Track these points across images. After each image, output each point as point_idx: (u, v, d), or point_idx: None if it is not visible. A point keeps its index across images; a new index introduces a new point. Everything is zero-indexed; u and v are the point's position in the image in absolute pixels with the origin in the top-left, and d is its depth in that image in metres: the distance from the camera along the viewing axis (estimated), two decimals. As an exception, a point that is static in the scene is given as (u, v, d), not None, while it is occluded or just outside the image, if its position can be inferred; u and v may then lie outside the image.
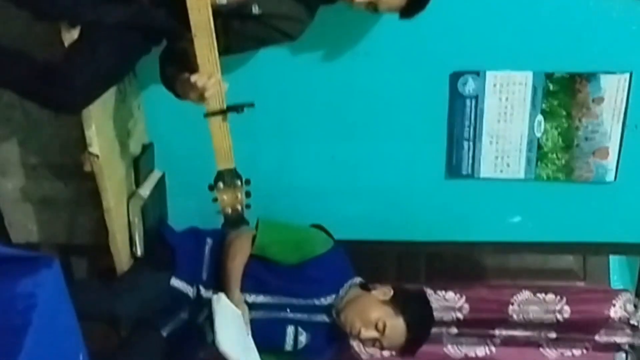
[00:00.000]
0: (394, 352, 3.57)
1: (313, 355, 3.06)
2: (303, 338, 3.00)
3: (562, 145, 3.14)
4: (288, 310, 2.98)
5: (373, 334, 2.89)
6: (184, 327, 3.06)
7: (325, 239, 3.04)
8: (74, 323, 1.91)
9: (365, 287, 3.02)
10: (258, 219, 2.96)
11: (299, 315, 2.99)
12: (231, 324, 2.78)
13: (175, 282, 3.01)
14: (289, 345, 2.99)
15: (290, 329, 2.99)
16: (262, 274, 2.95)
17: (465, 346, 3.61)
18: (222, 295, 2.83)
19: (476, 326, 3.55)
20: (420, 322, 2.95)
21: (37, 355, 1.71)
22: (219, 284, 3.00)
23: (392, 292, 2.95)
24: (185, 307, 3.05)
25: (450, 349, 3.62)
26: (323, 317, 3.01)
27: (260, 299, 2.90)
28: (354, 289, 3.01)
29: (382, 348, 2.97)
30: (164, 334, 3.04)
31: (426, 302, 3.04)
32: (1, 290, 1.74)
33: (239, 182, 2.93)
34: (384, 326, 2.88)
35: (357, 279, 3.05)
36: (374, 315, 2.89)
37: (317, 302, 2.99)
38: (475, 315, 3.50)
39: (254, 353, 2.81)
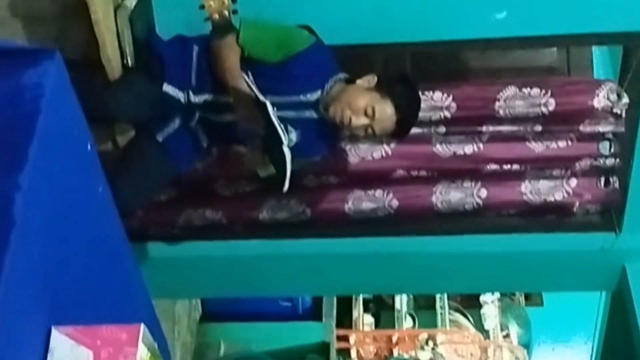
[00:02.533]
0: (384, 150, 3.71)
1: (304, 152, 3.14)
2: (293, 136, 3.06)
3: (544, -63, 3.14)
4: (275, 108, 3.02)
5: (363, 120, 2.97)
6: (178, 133, 3.15)
7: (308, 36, 3.05)
8: (80, 114, 1.97)
9: (350, 81, 3.08)
10: (241, 19, 2.97)
11: (286, 113, 3.03)
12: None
13: (167, 87, 3.06)
14: None
15: None
16: (247, 75, 2.99)
17: (453, 144, 3.70)
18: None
19: (463, 124, 3.63)
20: (407, 102, 3.03)
21: (49, 142, 1.77)
22: (210, 89, 3.07)
23: (375, 79, 3.01)
24: (178, 112, 3.12)
25: (439, 148, 3.71)
26: (311, 114, 3.08)
27: None
28: (339, 84, 3.07)
29: (374, 135, 3.05)
30: (160, 139, 3.13)
31: (410, 83, 3.10)
32: (7, 81, 1.78)
33: (225, -14, 2.93)
34: (373, 111, 2.95)
35: (342, 75, 3.10)
36: (361, 102, 2.96)
37: (303, 98, 3.05)
38: (462, 114, 3.58)
39: None
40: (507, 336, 7.01)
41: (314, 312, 6.07)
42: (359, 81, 3.03)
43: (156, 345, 2.01)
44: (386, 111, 2.97)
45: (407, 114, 3.03)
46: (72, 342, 1.80)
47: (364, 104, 2.95)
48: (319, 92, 3.06)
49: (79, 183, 1.96)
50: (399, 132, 3.08)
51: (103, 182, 2.14)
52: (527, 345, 7.06)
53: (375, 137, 3.10)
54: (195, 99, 3.08)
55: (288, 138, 2.93)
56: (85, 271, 1.98)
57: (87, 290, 1.99)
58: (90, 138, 2.00)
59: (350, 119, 2.96)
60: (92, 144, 2.01)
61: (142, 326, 1.84)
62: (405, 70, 3.76)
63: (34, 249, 1.73)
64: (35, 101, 1.74)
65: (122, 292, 2.27)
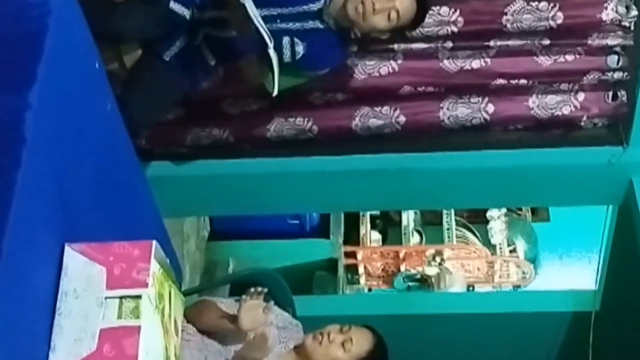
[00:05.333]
0: (391, 66, 3.69)
1: (312, 63, 3.17)
2: (300, 48, 3.07)
3: None
4: (279, 21, 3.03)
5: (386, 2, 2.97)
6: (184, 52, 3.15)
7: None
8: (87, 32, 1.96)
9: None
10: None
11: (290, 25, 3.05)
12: None
13: (173, 4, 3.05)
14: (287, 56, 3.08)
15: (285, 40, 3.06)
16: None
17: (460, 59, 3.66)
18: None
19: (471, 39, 3.59)
20: None
21: (57, 60, 1.77)
22: (213, 5, 3.07)
23: None
24: (184, 31, 3.12)
25: (447, 64, 3.67)
26: (316, 24, 3.08)
27: None
28: None
29: (397, 18, 3.03)
30: (167, 58, 3.13)
31: None
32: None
33: None
34: None
35: None
36: None
37: (305, 8, 3.06)
38: (469, 28, 3.54)
39: None
40: (513, 251, 7.05)
41: (322, 230, 6.10)
42: None
43: (168, 262, 2.03)
44: None
45: None
46: (85, 259, 1.83)
47: None
48: (321, 1, 3.06)
49: (87, 101, 1.97)
50: (421, 10, 3.08)
51: (111, 100, 2.14)
52: (533, 260, 7.11)
53: (398, 22, 3.05)
54: (200, 15, 3.07)
55: (276, 43, 2.94)
56: (97, 189, 2.00)
57: (99, 208, 2.01)
58: (98, 56, 2.00)
59: (373, 4, 2.95)
60: (100, 62, 2.00)
61: (155, 242, 1.86)
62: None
63: (45, 166, 1.74)
64: (42, 19, 1.74)
65: (133, 210, 2.29)
